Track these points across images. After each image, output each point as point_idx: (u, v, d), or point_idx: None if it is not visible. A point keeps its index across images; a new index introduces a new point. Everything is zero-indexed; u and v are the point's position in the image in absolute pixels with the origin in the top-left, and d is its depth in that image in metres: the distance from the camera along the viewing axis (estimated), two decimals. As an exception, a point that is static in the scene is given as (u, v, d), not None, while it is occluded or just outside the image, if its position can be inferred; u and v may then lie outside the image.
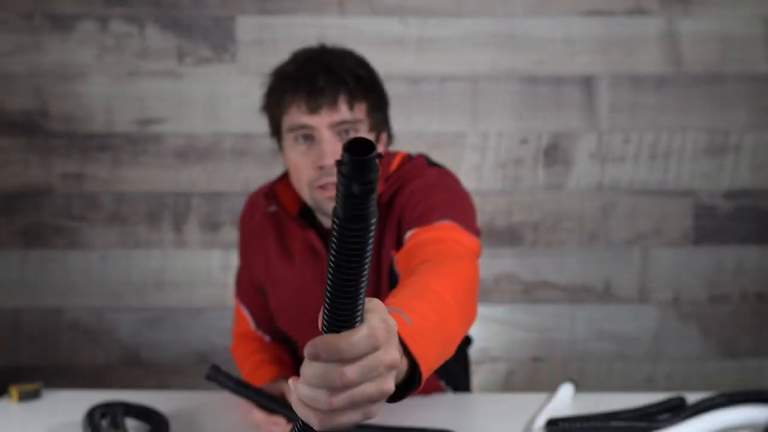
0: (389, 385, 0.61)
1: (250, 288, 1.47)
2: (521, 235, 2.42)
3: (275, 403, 1.17)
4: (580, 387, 1.35)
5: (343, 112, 1.17)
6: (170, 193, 2.41)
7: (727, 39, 2.42)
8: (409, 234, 1.16)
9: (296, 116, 1.18)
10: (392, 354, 0.61)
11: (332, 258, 0.57)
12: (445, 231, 1.12)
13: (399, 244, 1.24)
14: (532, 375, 2.45)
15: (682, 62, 2.43)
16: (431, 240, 1.11)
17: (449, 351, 0.88)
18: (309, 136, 1.19)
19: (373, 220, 0.56)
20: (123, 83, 2.39)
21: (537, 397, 1.30)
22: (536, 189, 2.43)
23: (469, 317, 0.99)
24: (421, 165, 1.32)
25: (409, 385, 0.74)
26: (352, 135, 1.17)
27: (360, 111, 1.20)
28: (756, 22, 2.42)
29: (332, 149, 1.16)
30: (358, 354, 0.58)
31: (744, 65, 2.42)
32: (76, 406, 1.21)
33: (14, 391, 1.33)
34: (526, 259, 2.43)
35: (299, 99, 1.17)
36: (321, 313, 0.60)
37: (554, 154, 2.44)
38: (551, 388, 1.34)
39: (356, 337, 0.58)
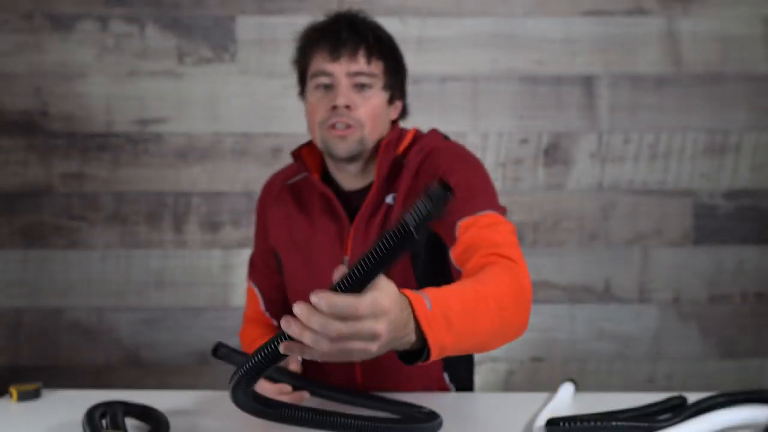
0: (371, 348, 0.81)
1: (265, 266, 1.49)
2: (521, 235, 2.42)
3: (283, 374, 1.20)
4: (580, 387, 1.35)
5: (361, 63, 1.29)
6: (170, 193, 2.41)
7: (727, 39, 2.42)
8: (459, 224, 1.22)
9: (320, 63, 1.30)
10: (378, 327, 0.79)
11: (376, 240, 0.76)
12: (493, 226, 1.21)
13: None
14: (532, 375, 2.45)
15: (682, 62, 2.43)
16: (487, 242, 1.18)
17: (475, 345, 1.00)
18: (329, 86, 1.30)
19: (416, 238, 0.74)
20: (123, 83, 2.39)
21: (537, 397, 1.30)
22: (536, 189, 2.44)
23: (514, 323, 1.06)
24: (439, 138, 1.40)
25: (418, 355, 0.90)
26: (367, 89, 1.29)
27: (377, 67, 1.31)
28: (756, 22, 2.42)
29: (345, 93, 1.27)
30: (343, 314, 0.77)
31: (744, 65, 2.43)
32: (76, 406, 1.21)
33: (14, 391, 1.33)
34: (526, 259, 2.42)
35: (323, 48, 1.30)
36: (338, 275, 0.78)
37: (554, 154, 2.44)
38: (551, 388, 1.34)
39: (348, 302, 0.77)
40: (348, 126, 1.28)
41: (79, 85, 2.39)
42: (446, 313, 0.90)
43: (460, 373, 1.47)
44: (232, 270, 2.40)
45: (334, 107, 1.28)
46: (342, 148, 1.29)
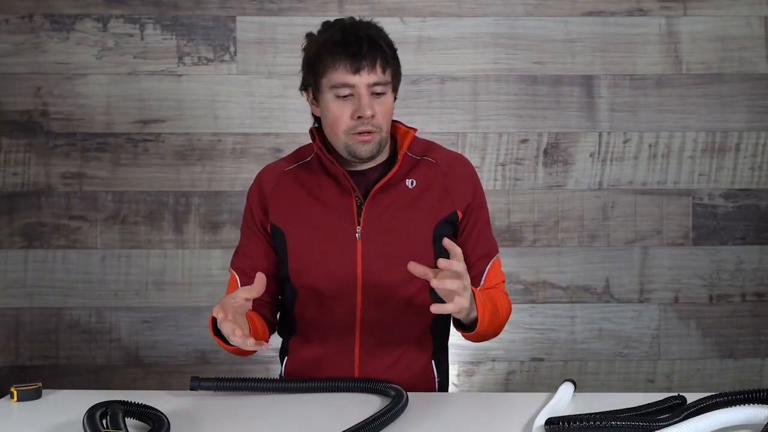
0: (465, 296, 1.24)
1: (253, 251, 1.54)
2: (521, 235, 2.43)
3: (258, 381, 1.33)
4: (580, 387, 1.35)
5: (379, 74, 1.40)
6: (170, 193, 2.41)
7: (726, 39, 2.42)
8: (488, 269, 1.52)
9: (342, 75, 1.39)
10: (467, 283, 1.24)
11: None
12: (499, 265, 1.55)
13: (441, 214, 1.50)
14: (532, 375, 2.45)
15: (682, 62, 2.43)
16: (499, 279, 1.54)
17: (483, 335, 1.41)
18: (349, 94, 1.41)
19: None
20: (123, 83, 2.39)
21: (537, 397, 1.30)
22: (536, 189, 2.44)
23: (496, 333, 1.49)
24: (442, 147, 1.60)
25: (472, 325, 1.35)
26: (382, 95, 1.42)
27: (389, 74, 1.43)
28: (756, 22, 2.42)
29: (368, 103, 1.39)
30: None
31: (743, 65, 2.43)
32: (76, 406, 1.21)
33: (14, 391, 1.33)
34: (526, 259, 2.43)
35: (344, 61, 1.39)
36: None
37: (554, 154, 2.44)
38: (551, 388, 1.34)
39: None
40: (370, 132, 1.41)
41: (79, 85, 2.39)
42: (484, 313, 1.35)
43: (443, 363, 1.56)
44: (232, 270, 2.40)
45: (360, 117, 1.40)
46: (366, 150, 1.42)
